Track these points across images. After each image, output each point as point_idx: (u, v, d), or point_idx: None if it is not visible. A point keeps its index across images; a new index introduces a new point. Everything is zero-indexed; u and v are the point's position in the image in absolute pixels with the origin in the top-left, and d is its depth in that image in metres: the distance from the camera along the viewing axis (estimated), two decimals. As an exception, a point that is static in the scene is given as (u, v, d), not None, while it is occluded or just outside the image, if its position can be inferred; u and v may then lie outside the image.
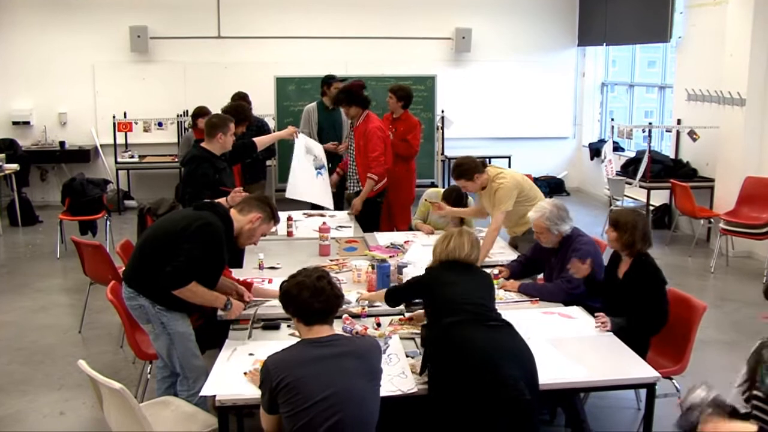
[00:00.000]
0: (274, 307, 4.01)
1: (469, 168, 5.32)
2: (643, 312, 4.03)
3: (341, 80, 8.03)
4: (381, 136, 6.68)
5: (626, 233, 4.17)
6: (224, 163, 5.52)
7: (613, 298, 4.23)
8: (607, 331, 3.95)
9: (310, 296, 2.95)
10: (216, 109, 10.03)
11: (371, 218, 6.79)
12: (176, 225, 3.81)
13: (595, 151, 11.66)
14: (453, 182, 5.71)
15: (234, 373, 3.43)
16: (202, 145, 5.48)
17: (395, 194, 7.37)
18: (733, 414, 2.63)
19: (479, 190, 5.47)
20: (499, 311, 3.57)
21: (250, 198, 4.20)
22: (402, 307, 4.28)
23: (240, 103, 6.92)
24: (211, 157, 5.40)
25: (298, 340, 3.07)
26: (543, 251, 4.76)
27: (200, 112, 8.38)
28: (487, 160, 11.36)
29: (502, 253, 5.47)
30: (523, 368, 3.21)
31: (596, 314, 4.07)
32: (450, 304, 3.44)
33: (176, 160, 8.33)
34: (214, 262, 3.83)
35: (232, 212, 3.96)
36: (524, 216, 5.32)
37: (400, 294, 4.04)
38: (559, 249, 4.63)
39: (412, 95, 7.48)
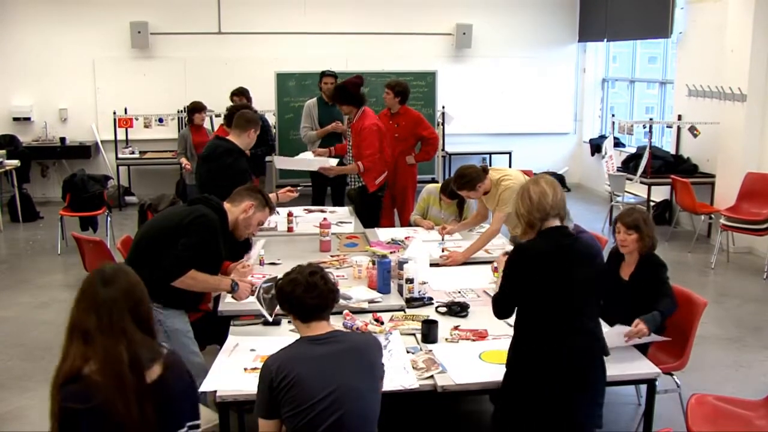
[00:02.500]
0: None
1: (472, 179, 5.24)
2: (659, 305, 4.00)
3: (331, 74, 8.02)
4: (376, 133, 6.70)
5: (647, 227, 4.14)
6: (246, 158, 5.56)
7: (616, 300, 4.13)
8: (646, 335, 3.76)
9: (304, 292, 2.92)
10: (216, 104, 10.13)
11: (371, 212, 6.82)
12: (171, 221, 3.83)
13: (596, 146, 11.65)
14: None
15: (235, 369, 3.44)
16: (231, 139, 5.41)
17: (403, 185, 7.57)
18: None
19: (481, 196, 5.45)
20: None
21: (239, 189, 4.19)
22: (403, 303, 4.30)
23: (247, 107, 6.86)
24: (242, 152, 5.38)
25: (298, 337, 3.06)
26: None
27: (196, 107, 8.39)
28: (488, 156, 11.50)
29: (503, 250, 5.46)
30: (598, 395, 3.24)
31: (626, 333, 3.75)
32: (560, 313, 3.15)
33: (176, 156, 8.36)
34: (211, 253, 3.83)
35: (226, 205, 3.97)
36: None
37: (501, 299, 3.36)
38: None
39: (409, 90, 7.52)
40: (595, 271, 3.25)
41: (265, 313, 3.82)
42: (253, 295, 3.92)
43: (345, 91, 6.69)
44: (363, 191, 6.84)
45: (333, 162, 6.90)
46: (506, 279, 3.28)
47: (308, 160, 7.08)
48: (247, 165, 5.40)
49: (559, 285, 3.14)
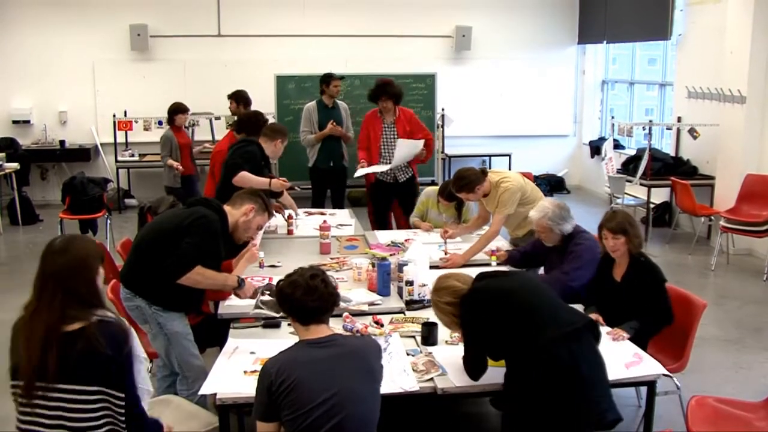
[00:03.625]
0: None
1: (471, 181, 5.25)
2: (650, 313, 4.02)
3: (340, 78, 8.05)
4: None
5: (633, 228, 4.17)
6: (268, 164, 5.85)
7: (610, 301, 4.18)
8: (624, 339, 3.86)
9: (303, 295, 2.92)
10: (216, 107, 10.13)
11: (411, 203, 7.04)
12: (170, 223, 3.83)
13: (596, 148, 11.66)
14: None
15: (235, 372, 3.44)
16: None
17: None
18: None
19: (481, 198, 5.45)
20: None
21: (240, 192, 4.22)
22: (402, 305, 4.30)
23: (258, 115, 6.77)
24: (257, 143, 5.67)
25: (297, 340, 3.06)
26: (543, 247, 4.76)
27: (177, 108, 8.33)
28: (488, 158, 11.50)
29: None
30: (606, 386, 3.19)
31: (608, 332, 3.89)
32: (531, 318, 3.20)
33: (161, 159, 8.30)
34: (211, 254, 3.83)
35: (226, 208, 3.98)
36: (526, 218, 5.32)
37: (473, 355, 3.35)
38: (561, 245, 4.64)
39: (402, 92, 7.51)
40: (522, 275, 3.59)
41: (271, 312, 3.82)
42: (254, 297, 3.93)
43: (392, 86, 7.10)
44: (412, 181, 7.36)
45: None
46: (468, 333, 3.33)
47: (412, 142, 7.16)
48: (258, 153, 5.66)
49: (516, 295, 3.27)
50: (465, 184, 5.27)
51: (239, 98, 8.31)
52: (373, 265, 4.61)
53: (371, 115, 7.33)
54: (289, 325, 3.95)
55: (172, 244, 3.70)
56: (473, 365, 3.33)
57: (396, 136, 7.15)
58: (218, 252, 3.90)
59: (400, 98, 7.22)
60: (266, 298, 3.86)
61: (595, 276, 4.42)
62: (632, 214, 10.20)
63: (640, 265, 4.17)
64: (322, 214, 6.81)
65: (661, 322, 4.09)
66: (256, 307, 3.88)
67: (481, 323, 3.26)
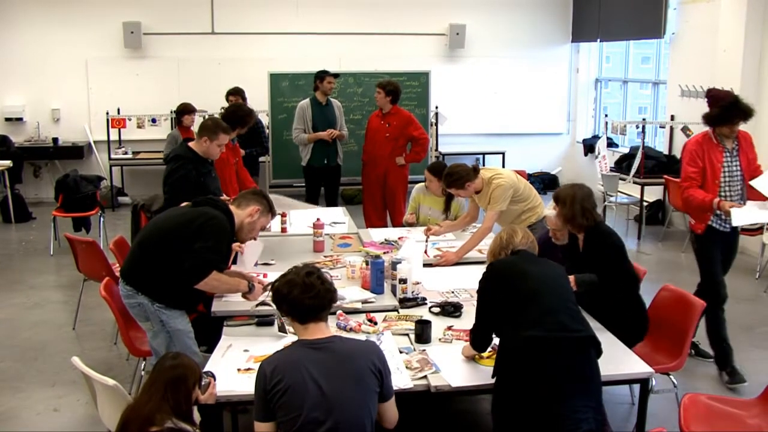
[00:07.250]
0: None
1: (460, 177, 5.25)
2: (611, 278, 4.05)
3: (334, 75, 8.04)
4: None
5: (565, 206, 4.18)
6: (210, 166, 5.24)
7: (578, 271, 4.15)
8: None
9: (301, 293, 2.91)
10: (209, 104, 10.11)
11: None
12: (177, 222, 3.82)
13: (589, 147, 11.67)
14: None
15: (229, 369, 3.44)
16: (189, 144, 5.19)
17: (394, 186, 7.67)
18: None
19: (473, 195, 5.45)
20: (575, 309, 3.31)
21: (245, 192, 4.21)
22: (396, 303, 4.30)
23: (240, 106, 6.67)
24: (194, 158, 5.08)
25: (295, 339, 3.04)
26: (548, 250, 4.76)
27: (185, 109, 8.33)
28: (482, 156, 11.50)
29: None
30: (591, 397, 3.14)
31: None
32: (530, 308, 3.20)
33: (162, 158, 8.30)
34: (223, 256, 3.86)
35: (231, 208, 3.97)
36: (519, 215, 5.33)
37: (480, 325, 3.47)
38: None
39: (400, 90, 7.56)
40: (553, 268, 3.46)
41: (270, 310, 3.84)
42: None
43: (743, 102, 5.69)
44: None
45: None
46: (480, 302, 3.46)
47: None
48: (193, 171, 5.02)
49: (527, 279, 3.29)
50: (455, 179, 5.27)
51: (243, 94, 8.33)
52: (367, 263, 4.60)
53: (703, 140, 5.39)
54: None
55: (182, 244, 3.68)
56: (476, 335, 3.47)
57: (739, 167, 5.25)
58: (228, 254, 3.92)
59: (750, 116, 5.32)
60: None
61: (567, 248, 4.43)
62: (625, 212, 10.24)
63: (594, 235, 4.19)
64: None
65: (626, 284, 4.11)
66: (261, 303, 3.91)
67: (489, 295, 3.39)
